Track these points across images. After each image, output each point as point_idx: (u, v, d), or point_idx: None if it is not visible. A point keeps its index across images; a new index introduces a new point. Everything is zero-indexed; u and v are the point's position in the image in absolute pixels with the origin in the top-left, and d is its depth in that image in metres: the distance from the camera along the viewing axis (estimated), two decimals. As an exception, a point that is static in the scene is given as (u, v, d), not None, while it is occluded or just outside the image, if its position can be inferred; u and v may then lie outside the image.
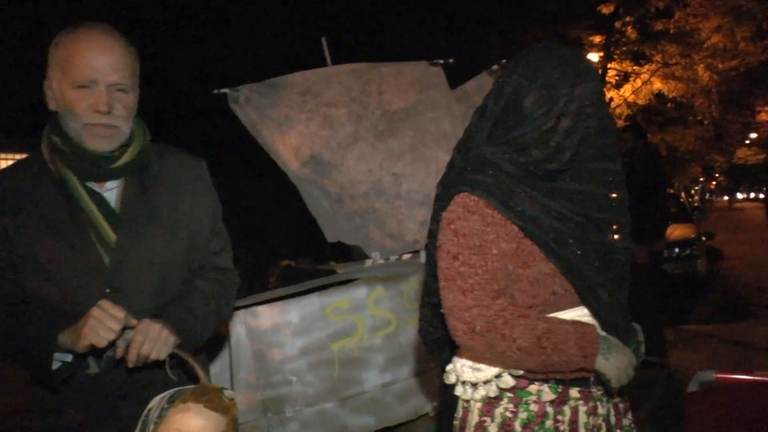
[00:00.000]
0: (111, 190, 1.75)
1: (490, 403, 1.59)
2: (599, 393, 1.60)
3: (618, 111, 13.65)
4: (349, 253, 3.98)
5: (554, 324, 1.51)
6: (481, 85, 3.92)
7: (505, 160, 1.58)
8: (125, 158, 1.74)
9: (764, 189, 54.39)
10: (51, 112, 1.73)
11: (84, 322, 1.55)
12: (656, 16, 12.83)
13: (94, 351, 1.60)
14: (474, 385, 1.61)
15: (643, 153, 5.66)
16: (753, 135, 33.91)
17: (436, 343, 1.79)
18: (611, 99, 13.80)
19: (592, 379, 1.57)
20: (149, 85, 1.85)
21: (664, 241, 5.89)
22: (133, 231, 1.72)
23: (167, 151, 1.88)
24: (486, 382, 1.59)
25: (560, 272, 1.54)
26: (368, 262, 3.47)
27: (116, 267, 1.69)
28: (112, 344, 1.58)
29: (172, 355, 1.65)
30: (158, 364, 1.65)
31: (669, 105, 15.32)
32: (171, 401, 1.47)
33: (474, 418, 1.61)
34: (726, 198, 50.18)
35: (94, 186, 1.73)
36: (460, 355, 1.67)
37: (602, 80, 13.17)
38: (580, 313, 1.59)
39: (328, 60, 3.82)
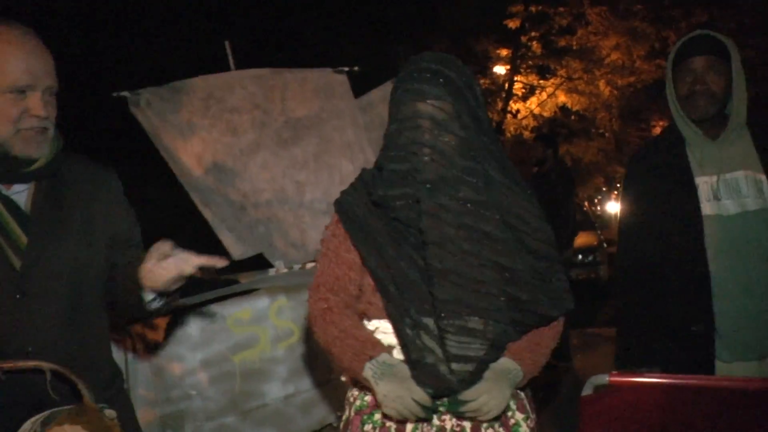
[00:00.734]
0: (18, 193, 1.66)
1: (350, 388, 1.77)
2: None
3: (525, 122, 14.07)
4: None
5: (347, 334, 1.64)
6: (386, 95, 3.88)
7: (371, 178, 1.70)
8: (40, 162, 1.66)
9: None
10: None
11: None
12: (560, 33, 13.34)
13: None
14: None
15: (555, 163, 5.78)
16: (650, 148, 35.72)
17: None
18: (517, 111, 14.23)
19: None
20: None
21: (572, 249, 6.04)
22: (45, 234, 1.64)
23: (75, 159, 1.81)
24: None
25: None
26: (271, 271, 3.39)
27: (27, 271, 1.59)
28: None
29: (53, 372, 1.53)
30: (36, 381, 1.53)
31: (573, 118, 15.95)
32: (45, 424, 1.37)
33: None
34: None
35: (2, 188, 1.64)
36: None
37: (509, 93, 13.63)
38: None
39: (232, 64, 3.74)
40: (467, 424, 1.62)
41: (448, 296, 1.55)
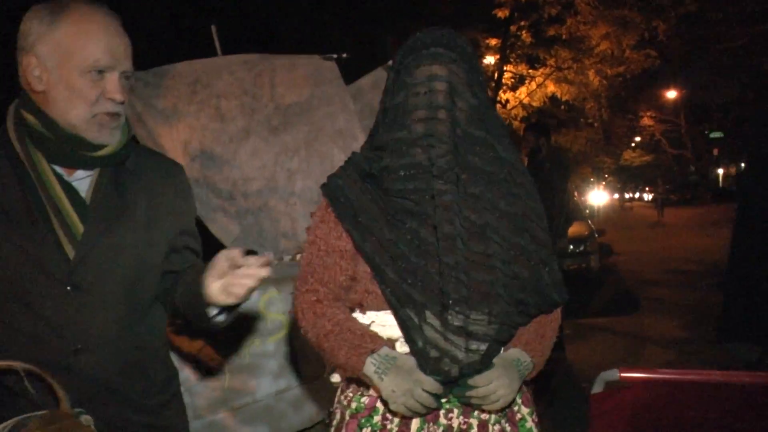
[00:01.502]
0: (81, 180, 1.56)
1: (342, 389, 1.66)
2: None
3: (514, 112, 14.03)
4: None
5: (341, 327, 1.54)
6: (376, 81, 3.83)
7: (364, 160, 1.61)
8: (109, 149, 1.56)
9: (650, 189, 57.86)
10: (20, 88, 1.54)
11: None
12: (549, 22, 13.31)
13: None
14: None
15: (549, 151, 5.67)
16: (637, 138, 36.07)
17: None
18: (507, 101, 14.17)
19: None
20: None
21: (566, 239, 5.98)
22: (103, 225, 1.54)
23: (144, 151, 1.76)
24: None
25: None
26: (261, 263, 3.28)
27: (81, 262, 1.49)
28: None
29: (29, 373, 1.42)
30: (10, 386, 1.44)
31: (562, 108, 15.94)
32: None
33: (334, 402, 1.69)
34: (616, 197, 52.94)
35: (63, 173, 1.54)
36: None
37: (499, 82, 13.56)
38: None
39: (218, 49, 3.63)
40: (474, 421, 1.54)
41: (459, 295, 1.46)
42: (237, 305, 1.55)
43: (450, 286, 1.45)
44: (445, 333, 1.46)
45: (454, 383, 1.49)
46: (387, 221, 1.53)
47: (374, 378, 1.48)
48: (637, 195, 63.79)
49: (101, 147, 1.55)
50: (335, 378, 1.67)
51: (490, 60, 14.02)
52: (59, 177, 1.52)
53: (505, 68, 13.99)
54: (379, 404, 1.56)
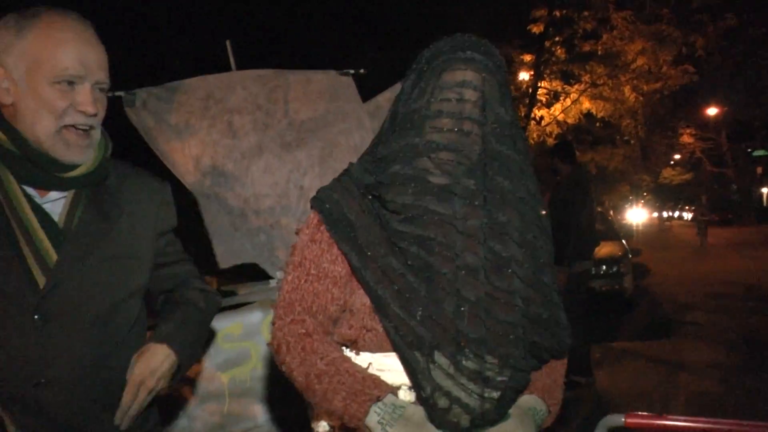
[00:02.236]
0: (54, 201, 1.47)
1: None
2: None
3: (549, 129, 13.84)
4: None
5: (336, 368, 1.32)
6: (394, 96, 3.72)
7: (364, 171, 1.41)
8: (83, 168, 1.47)
9: (690, 208, 56.61)
10: None
11: None
12: (584, 38, 13.15)
13: None
14: None
15: (571, 171, 5.52)
16: (677, 156, 35.33)
17: None
18: (541, 117, 13.98)
19: None
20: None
21: (591, 261, 5.76)
22: (79, 251, 1.44)
23: (127, 169, 1.64)
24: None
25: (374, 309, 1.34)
26: (272, 283, 3.20)
27: (51, 291, 1.39)
28: None
29: None
30: None
31: (597, 125, 15.65)
32: None
33: None
34: (655, 215, 51.88)
35: (35, 194, 1.45)
36: None
37: (533, 99, 13.39)
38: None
39: (233, 64, 3.57)
40: None
41: (477, 335, 1.28)
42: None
43: (467, 325, 1.27)
44: (458, 378, 1.28)
45: None
46: (391, 245, 1.33)
47: (377, 430, 1.27)
48: (676, 214, 62.45)
49: (74, 167, 1.46)
50: (322, 427, 1.47)
51: (524, 76, 13.87)
52: (30, 198, 1.43)
53: (539, 84, 13.82)
54: None
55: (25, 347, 1.37)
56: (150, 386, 1.46)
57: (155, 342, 1.51)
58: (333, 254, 1.38)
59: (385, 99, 3.81)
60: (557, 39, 13.44)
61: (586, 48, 13.16)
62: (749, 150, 34.13)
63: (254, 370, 2.69)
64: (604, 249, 9.12)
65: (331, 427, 1.44)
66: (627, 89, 13.40)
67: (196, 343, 1.64)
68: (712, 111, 28.28)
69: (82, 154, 1.46)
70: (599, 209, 11.39)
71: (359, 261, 1.33)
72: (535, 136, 13.79)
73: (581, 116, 14.03)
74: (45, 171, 1.43)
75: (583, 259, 5.37)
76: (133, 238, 1.54)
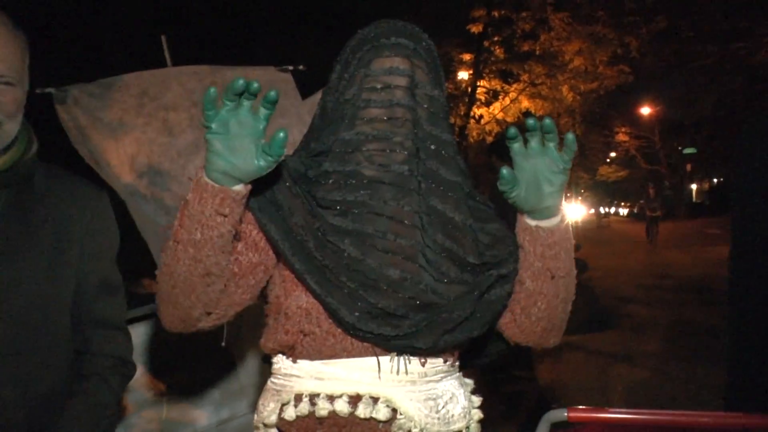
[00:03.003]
0: None
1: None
2: None
3: (488, 128, 14.02)
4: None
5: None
6: (335, 92, 3.68)
7: (300, 164, 1.33)
8: (1, 163, 1.36)
9: (629, 204, 58.30)
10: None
11: None
12: (523, 38, 13.38)
13: None
14: None
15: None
16: (612, 154, 36.42)
17: None
18: (481, 116, 14.16)
19: None
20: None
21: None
22: (1, 255, 1.32)
23: (58, 174, 1.50)
24: None
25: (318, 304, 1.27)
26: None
27: None
28: None
29: None
30: None
31: (536, 123, 15.94)
32: None
33: None
34: (592, 212, 53.26)
35: None
36: None
37: (472, 97, 13.55)
38: (359, 365, 1.28)
39: (168, 60, 3.46)
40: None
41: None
42: None
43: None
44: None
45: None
46: (317, 238, 1.24)
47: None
48: (613, 210, 64.37)
49: None
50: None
51: (463, 75, 14.02)
52: None
53: (478, 83, 14.00)
54: None
55: None
56: None
57: None
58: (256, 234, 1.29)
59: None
60: (496, 39, 13.66)
61: (525, 48, 13.42)
62: (680, 148, 35.45)
63: (193, 374, 2.61)
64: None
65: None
66: (565, 89, 13.72)
67: None
68: (645, 110, 29.29)
69: None
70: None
71: (290, 248, 1.23)
72: (474, 134, 13.97)
73: (521, 115, 14.28)
74: None
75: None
76: (58, 247, 1.41)
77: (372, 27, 1.35)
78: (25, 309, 1.34)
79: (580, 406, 1.54)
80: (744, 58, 17.30)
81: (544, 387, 5.37)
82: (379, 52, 1.31)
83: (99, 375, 1.46)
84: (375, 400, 1.25)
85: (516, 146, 1.20)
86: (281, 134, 1.08)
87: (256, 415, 1.36)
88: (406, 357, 1.27)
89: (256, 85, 1.06)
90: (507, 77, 14.03)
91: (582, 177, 34.03)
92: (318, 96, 3.73)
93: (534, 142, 1.20)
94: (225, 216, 1.15)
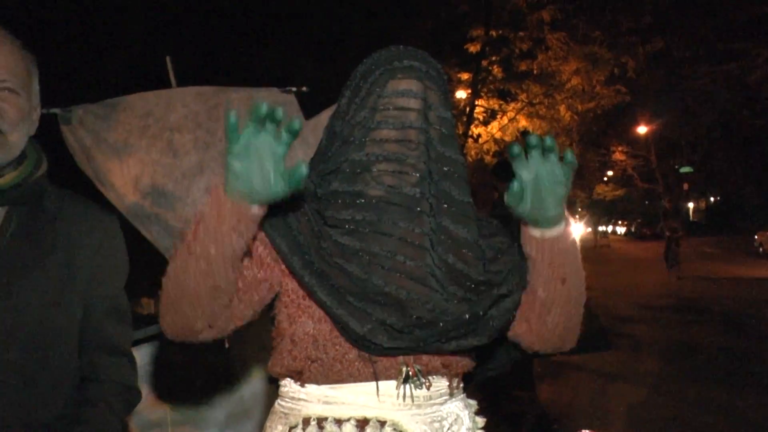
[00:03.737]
0: None
1: None
2: None
3: (486, 147, 14.06)
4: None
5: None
6: (337, 113, 3.71)
7: (311, 183, 1.34)
8: (9, 179, 1.32)
9: (626, 222, 58.28)
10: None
11: None
12: (520, 57, 13.47)
13: None
14: None
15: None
16: (609, 173, 36.52)
17: None
18: (479, 135, 14.21)
19: None
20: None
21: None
22: (4, 279, 1.28)
23: (70, 197, 1.46)
24: None
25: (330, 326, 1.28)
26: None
27: None
28: None
29: None
30: None
31: (534, 142, 16.00)
32: None
33: None
34: (589, 230, 53.23)
35: None
36: None
37: (470, 117, 13.61)
38: (365, 390, 1.29)
39: (173, 81, 3.49)
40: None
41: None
42: None
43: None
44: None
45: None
46: (322, 258, 1.26)
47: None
48: (610, 228, 64.33)
49: None
50: None
51: (461, 94, 14.08)
52: None
53: (476, 102, 14.05)
54: None
55: None
56: None
57: None
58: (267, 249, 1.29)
59: (327, 117, 3.77)
60: (494, 58, 13.73)
61: (523, 67, 13.49)
62: (676, 167, 35.59)
63: (197, 395, 2.61)
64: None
65: None
66: (562, 108, 13.79)
67: None
68: (642, 129, 29.41)
69: None
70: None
71: (288, 249, 1.24)
72: (473, 153, 14.00)
73: (518, 134, 14.33)
74: None
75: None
76: (67, 272, 1.36)
77: (382, 52, 1.36)
78: (33, 334, 1.30)
79: (585, 430, 1.54)
80: (739, 78, 17.46)
81: (544, 407, 5.35)
82: (392, 74, 1.31)
83: (105, 402, 1.41)
84: (382, 423, 1.26)
85: (519, 160, 1.22)
86: (303, 168, 1.09)
87: None
88: (411, 380, 1.28)
89: (280, 112, 1.08)
90: (505, 96, 14.10)
91: (579, 196, 34.08)
92: (322, 116, 3.78)
93: (536, 156, 1.22)
94: (241, 233, 1.16)
